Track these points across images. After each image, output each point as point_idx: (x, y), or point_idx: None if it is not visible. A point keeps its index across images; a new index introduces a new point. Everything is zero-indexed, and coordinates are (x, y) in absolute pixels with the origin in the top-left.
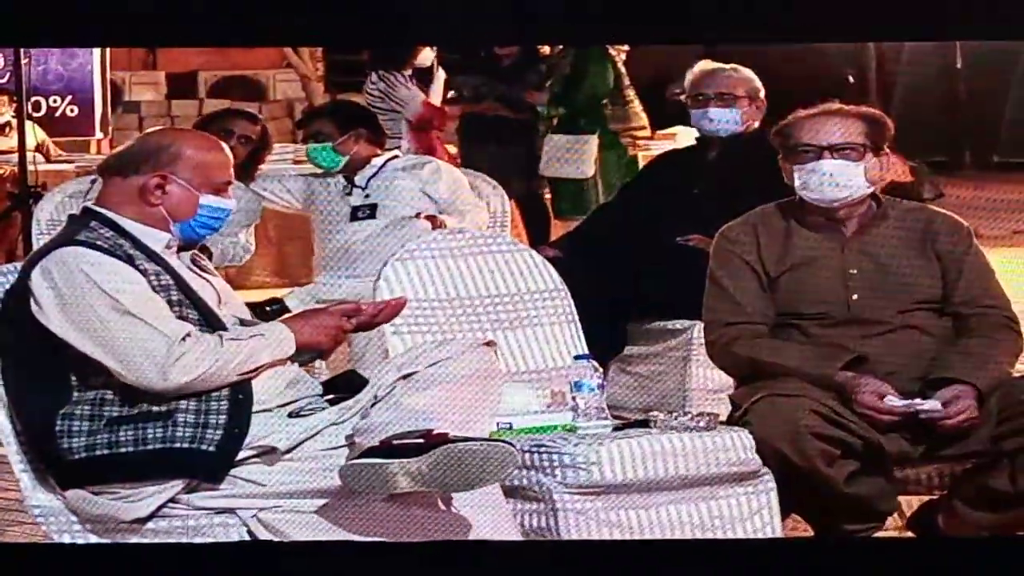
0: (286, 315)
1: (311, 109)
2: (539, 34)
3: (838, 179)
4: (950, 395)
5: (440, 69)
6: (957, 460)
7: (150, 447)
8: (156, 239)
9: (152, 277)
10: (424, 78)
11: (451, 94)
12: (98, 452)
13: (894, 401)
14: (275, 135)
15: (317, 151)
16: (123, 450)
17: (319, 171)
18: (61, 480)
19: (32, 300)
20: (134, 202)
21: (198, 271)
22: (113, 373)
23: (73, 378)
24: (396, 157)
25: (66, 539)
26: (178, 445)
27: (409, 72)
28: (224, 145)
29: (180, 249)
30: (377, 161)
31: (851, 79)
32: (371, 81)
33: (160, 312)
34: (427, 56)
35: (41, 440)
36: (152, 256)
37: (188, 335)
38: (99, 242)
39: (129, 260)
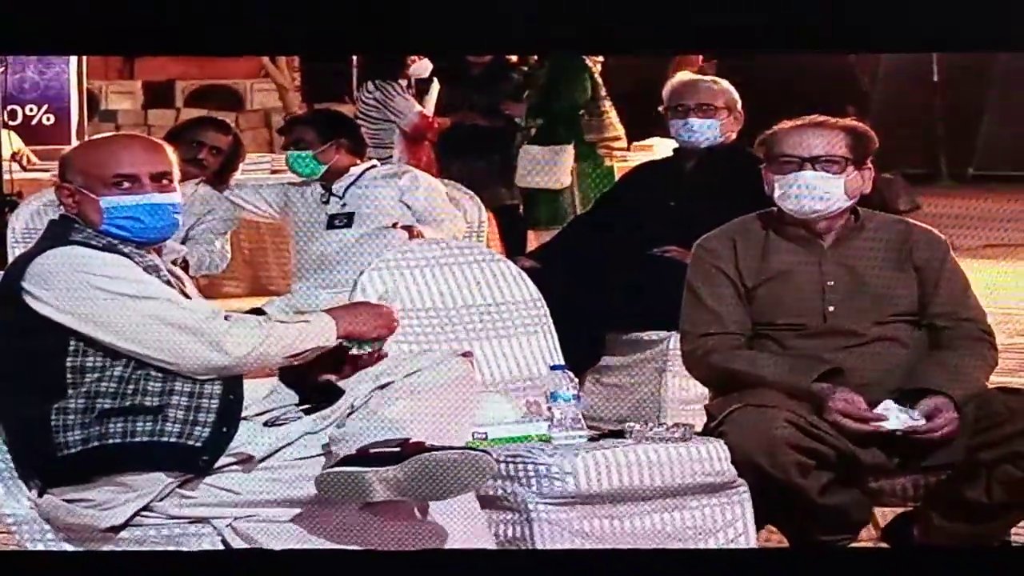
0: (329, 307)
1: (293, 116)
2: (517, 43)
3: (818, 191)
4: (929, 407)
5: (436, 80)
6: (932, 471)
7: (138, 439)
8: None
9: (150, 272)
10: (419, 88)
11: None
12: (91, 445)
13: (882, 414)
14: (252, 145)
15: (297, 158)
16: (111, 442)
17: (296, 179)
18: (50, 477)
19: (37, 302)
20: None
21: (171, 270)
22: (157, 365)
23: (68, 375)
24: (374, 167)
25: (39, 548)
26: (165, 439)
27: (405, 82)
28: (135, 136)
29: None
30: (355, 170)
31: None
32: (367, 91)
33: (181, 299)
34: (426, 67)
35: (34, 436)
36: (138, 253)
37: (226, 315)
38: (92, 241)
39: (126, 256)
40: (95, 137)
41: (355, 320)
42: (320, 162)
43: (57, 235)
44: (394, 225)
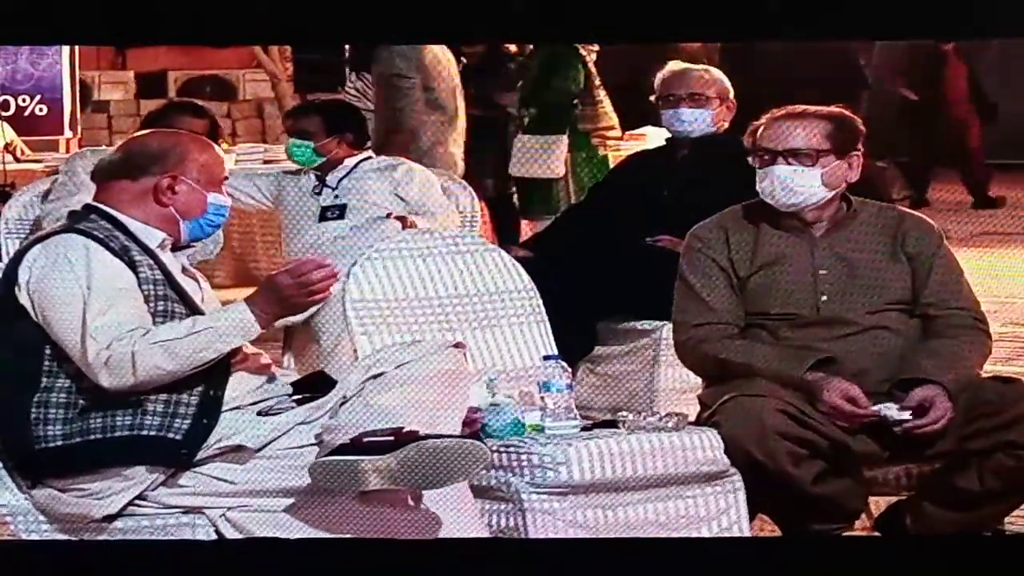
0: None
1: (303, 104)
2: (510, 32)
3: (789, 185)
4: (921, 398)
5: None
6: (925, 460)
7: (118, 434)
8: (152, 236)
9: (144, 269)
10: None
11: None
12: (72, 441)
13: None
14: (244, 135)
15: (298, 148)
16: (92, 437)
17: (290, 167)
18: (33, 472)
19: (18, 290)
20: (142, 202)
21: (186, 269)
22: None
23: (46, 365)
24: (369, 158)
25: (34, 538)
26: (145, 432)
27: None
28: (215, 144)
29: (176, 248)
30: (350, 162)
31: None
32: (350, 81)
33: (109, 314)
34: None
35: (16, 430)
36: (146, 251)
37: (118, 339)
38: (95, 232)
39: (123, 252)
40: (195, 136)
41: (278, 299)
42: (319, 154)
43: (64, 224)
44: (388, 216)
